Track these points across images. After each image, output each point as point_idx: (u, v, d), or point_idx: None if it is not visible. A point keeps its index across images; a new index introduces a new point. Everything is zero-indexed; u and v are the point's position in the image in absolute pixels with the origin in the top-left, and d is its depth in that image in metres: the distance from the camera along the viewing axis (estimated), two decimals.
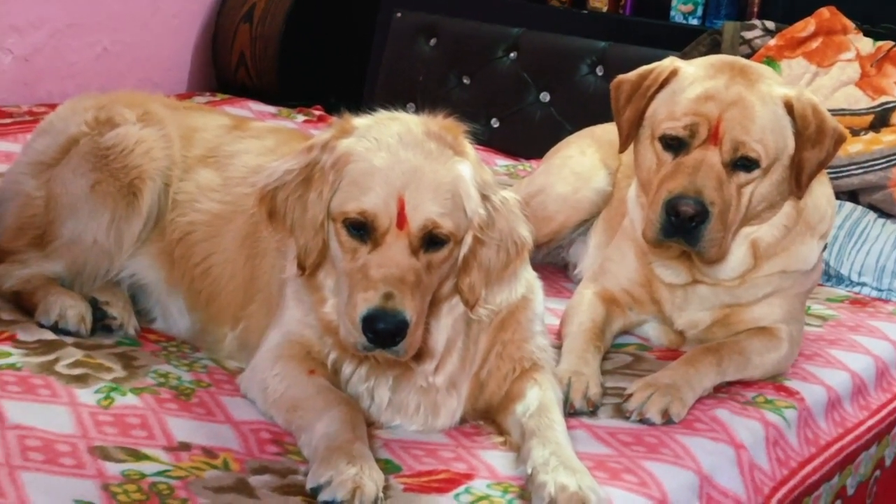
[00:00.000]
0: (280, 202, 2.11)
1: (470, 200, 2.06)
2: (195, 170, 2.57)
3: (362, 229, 2.01)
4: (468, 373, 2.21)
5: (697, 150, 2.46)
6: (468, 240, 2.07)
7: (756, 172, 2.48)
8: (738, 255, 2.58)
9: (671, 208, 2.43)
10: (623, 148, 2.67)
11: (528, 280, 2.30)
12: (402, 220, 1.98)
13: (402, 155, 2.03)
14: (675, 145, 2.50)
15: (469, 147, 2.14)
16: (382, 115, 2.18)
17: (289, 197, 2.10)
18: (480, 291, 2.11)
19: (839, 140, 2.56)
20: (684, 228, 2.43)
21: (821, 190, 2.66)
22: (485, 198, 2.09)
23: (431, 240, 2.01)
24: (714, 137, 2.46)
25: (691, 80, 2.53)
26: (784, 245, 2.61)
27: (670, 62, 2.61)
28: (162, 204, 2.54)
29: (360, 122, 2.14)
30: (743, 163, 2.47)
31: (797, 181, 2.52)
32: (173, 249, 2.52)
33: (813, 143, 2.51)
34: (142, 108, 2.64)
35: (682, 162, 2.47)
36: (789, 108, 2.50)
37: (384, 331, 1.93)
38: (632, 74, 2.65)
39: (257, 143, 2.60)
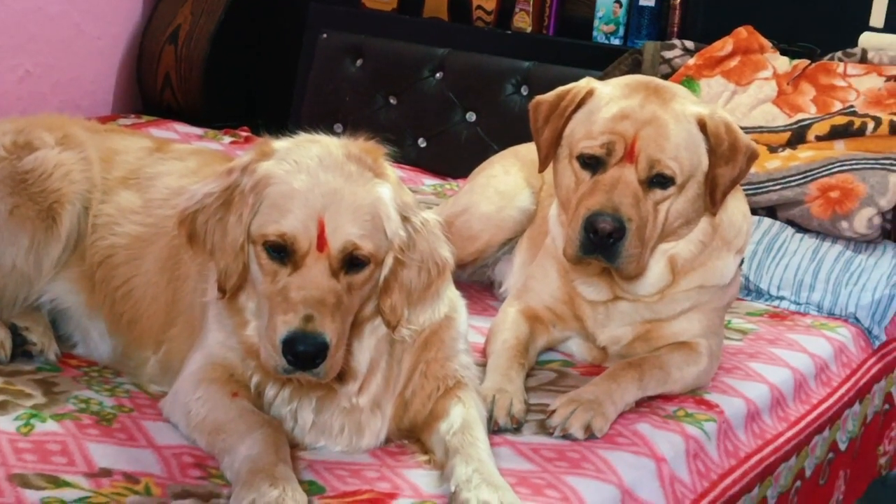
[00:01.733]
0: (200, 225, 2.11)
1: (390, 222, 2.07)
2: (116, 192, 2.55)
3: (282, 252, 2.01)
4: (392, 393, 2.22)
5: (614, 168, 2.51)
6: (389, 261, 2.09)
7: (671, 189, 2.53)
8: (656, 271, 2.62)
9: (590, 225, 2.47)
10: (542, 167, 2.71)
11: (451, 299, 2.31)
12: (321, 242, 1.99)
13: (322, 177, 2.04)
14: (592, 164, 2.54)
15: (390, 169, 2.16)
16: (303, 138, 2.18)
17: (209, 220, 2.10)
18: (402, 312, 2.12)
19: (752, 157, 2.62)
20: (603, 245, 2.47)
21: (736, 206, 2.72)
22: (405, 219, 2.11)
23: (352, 262, 2.02)
24: (630, 155, 2.50)
25: (607, 99, 2.57)
26: (701, 260, 2.66)
27: (586, 83, 2.65)
28: (82, 227, 2.52)
29: (280, 144, 2.15)
30: (658, 180, 2.51)
31: (712, 197, 2.57)
32: (94, 273, 2.50)
33: (726, 160, 2.56)
34: (61, 132, 2.62)
35: (600, 180, 2.51)
36: (702, 126, 2.56)
37: (304, 353, 1.94)
38: (549, 95, 2.69)
39: (179, 164, 2.59)
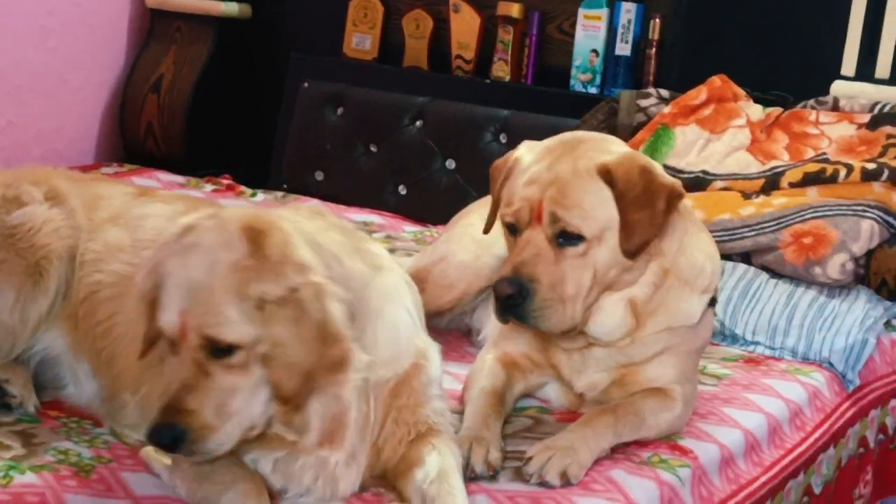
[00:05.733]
0: None
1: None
2: (104, 229, 2.56)
3: None
4: (367, 443, 2.23)
5: (527, 232, 2.55)
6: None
7: (583, 245, 2.53)
8: (616, 316, 2.62)
9: (494, 291, 2.52)
10: (486, 230, 2.78)
11: (419, 347, 2.32)
12: None
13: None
14: (513, 229, 2.60)
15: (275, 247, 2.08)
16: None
17: None
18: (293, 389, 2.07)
19: (674, 196, 2.59)
20: (511, 307, 2.50)
21: (697, 246, 2.71)
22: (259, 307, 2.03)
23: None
24: (538, 218, 2.53)
25: (525, 166, 2.61)
26: (660, 301, 2.66)
27: (519, 149, 2.68)
28: (69, 279, 2.53)
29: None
30: (566, 237, 2.53)
31: (628, 243, 2.53)
32: (77, 310, 2.51)
33: (640, 205, 2.53)
34: (47, 185, 2.63)
35: (515, 244, 2.57)
36: (605, 175, 2.55)
37: None
38: (500, 160, 2.74)
39: (167, 207, 2.60)
